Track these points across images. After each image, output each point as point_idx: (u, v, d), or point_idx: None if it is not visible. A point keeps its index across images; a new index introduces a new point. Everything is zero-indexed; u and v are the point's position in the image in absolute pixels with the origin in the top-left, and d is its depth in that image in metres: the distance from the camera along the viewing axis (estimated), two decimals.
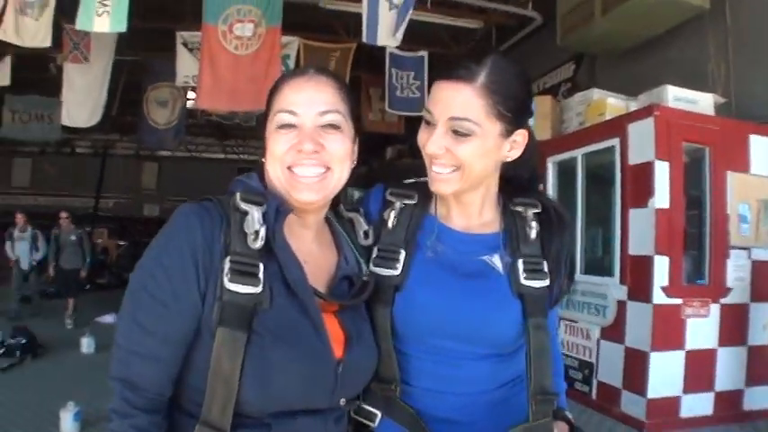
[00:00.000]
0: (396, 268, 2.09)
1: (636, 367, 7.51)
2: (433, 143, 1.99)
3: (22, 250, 17.35)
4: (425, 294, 2.06)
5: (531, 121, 2.16)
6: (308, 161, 1.88)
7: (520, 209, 2.17)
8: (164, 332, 1.73)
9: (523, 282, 2.06)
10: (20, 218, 17.63)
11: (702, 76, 9.22)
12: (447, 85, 1.98)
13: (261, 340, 1.72)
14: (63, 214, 16.98)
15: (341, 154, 1.94)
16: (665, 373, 7.36)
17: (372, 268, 2.11)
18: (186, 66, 13.57)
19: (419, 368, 2.09)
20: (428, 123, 2.04)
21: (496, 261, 2.12)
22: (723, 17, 9.30)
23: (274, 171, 1.92)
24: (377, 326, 2.07)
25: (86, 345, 12.32)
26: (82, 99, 13.98)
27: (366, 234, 2.20)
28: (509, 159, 2.12)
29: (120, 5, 9.70)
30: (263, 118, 2.05)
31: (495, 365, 2.09)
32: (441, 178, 2.04)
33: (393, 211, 2.19)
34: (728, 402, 7.71)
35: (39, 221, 18.32)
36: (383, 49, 13.36)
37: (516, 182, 2.26)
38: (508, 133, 2.04)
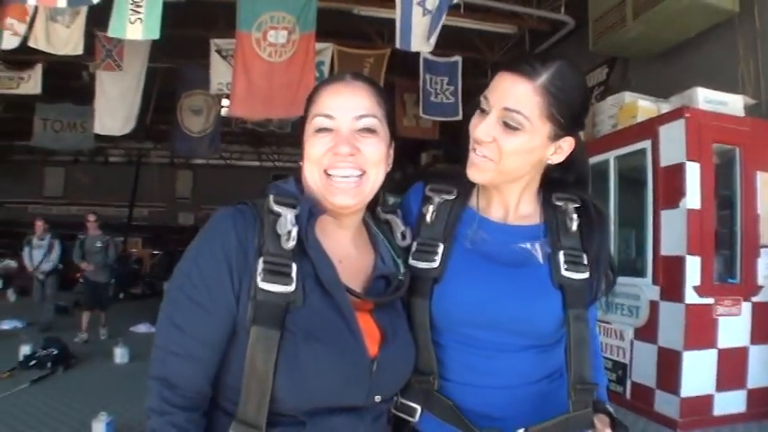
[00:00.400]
0: (434, 261, 2.17)
1: (669, 367, 7.55)
2: (482, 129, 2.09)
3: (38, 259, 16.89)
4: (463, 285, 2.14)
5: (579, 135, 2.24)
6: (343, 164, 1.98)
7: (560, 203, 2.26)
8: (200, 333, 1.84)
9: (564, 273, 2.14)
10: (39, 225, 17.31)
11: (732, 77, 9.27)
12: (508, 77, 2.08)
13: (294, 338, 1.81)
14: (90, 217, 16.38)
15: (376, 157, 2.04)
16: (698, 371, 7.41)
17: (411, 262, 2.20)
18: (220, 73, 13.62)
19: (458, 361, 2.16)
20: (482, 111, 2.13)
21: (537, 250, 2.20)
22: (752, 19, 9.32)
23: (311, 174, 2.02)
24: (415, 319, 2.15)
25: (120, 355, 12.46)
26: (115, 107, 13.94)
27: (403, 235, 2.28)
28: (551, 162, 2.22)
29: (153, 12, 9.74)
30: (300, 123, 2.16)
31: (534, 358, 2.16)
32: (477, 164, 2.15)
33: (431, 206, 2.28)
34: (761, 399, 7.74)
35: (71, 231, 18.08)
36: (417, 54, 13.37)
37: (561, 183, 2.36)
38: (556, 137, 2.14)
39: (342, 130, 2.00)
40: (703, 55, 10.28)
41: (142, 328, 16.23)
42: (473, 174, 2.20)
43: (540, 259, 2.21)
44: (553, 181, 2.38)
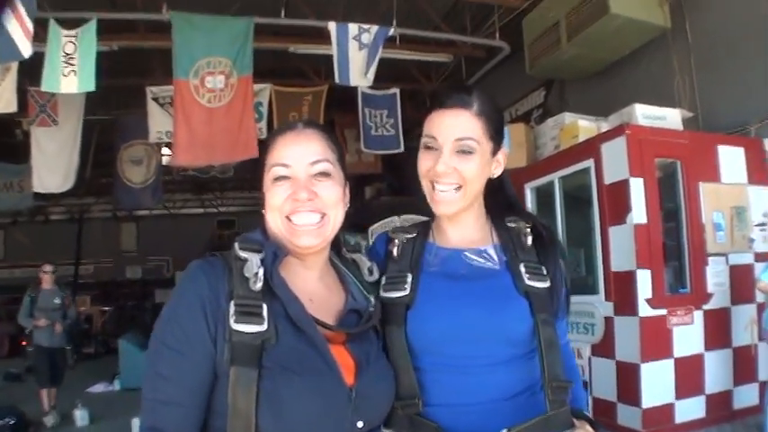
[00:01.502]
0: (405, 289, 2.30)
1: (628, 380, 7.68)
2: (442, 163, 2.26)
3: None
4: (434, 305, 2.27)
5: (505, 149, 2.44)
6: (303, 208, 2.10)
7: (513, 224, 2.44)
8: (183, 379, 1.91)
9: (528, 282, 2.28)
10: None
11: (669, 92, 9.46)
12: (448, 112, 2.29)
13: (271, 374, 1.88)
14: (46, 267, 13.72)
15: (333, 199, 2.16)
16: (657, 382, 7.54)
17: (383, 294, 2.32)
18: (158, 121, 13.48)
19: (439, 383, 2.25)
20: (429, 149, 2.32)
21: (493, 256, 2.39)
22: (684, 35, 9.54)
23: (274, 221, 2.14)
24: (393, 347, 2.25)
25: (80, 417, 12.33)
26: (53, 163, 13.49)
27: (370, 270, 2.38)
28: (494, 176, 2.43)
29: (86, 64, 9.77)
30: (255, 169, 2.31)
31: (512, 370, 2.26)
32: (445, 198, 2.31)
33: (396, 245, 2.44)
34: (719, 403, 7.90)
35: (15, 295, 17.64)
36: (355, 89, 13.41)
37: (502, 201, 2.56)
38: (494, 152, 2.37)
39: (299, 177, 2.12)
40: (639, 72, 10.50)
41: (99, 387, 16.03)
42: (441, 208, 2.35)
43: (497, 264, 2.38)
44: (496, 203, 2.57)
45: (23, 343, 15.64)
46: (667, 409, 7.60)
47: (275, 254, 2.06)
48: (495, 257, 2.40)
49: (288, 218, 2.12)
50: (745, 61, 8.86)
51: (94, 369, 18.54)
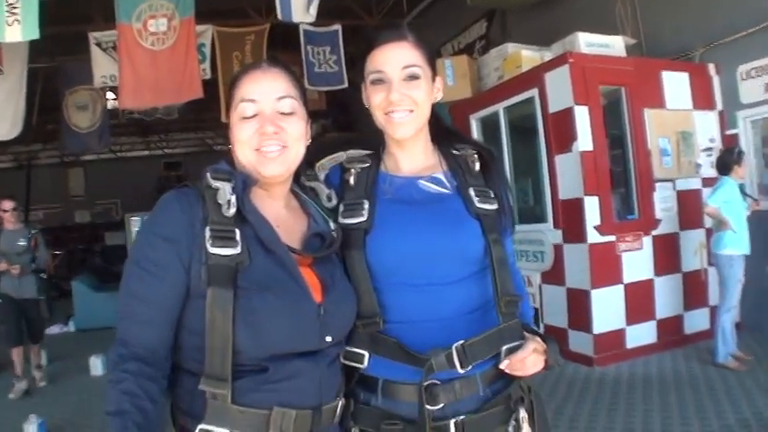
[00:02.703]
0: (362, 215, 2.32)
1: (579, 306, 7.79)
2: (395, 92, 2.27)
3: None
4: (392, 229, 2.29)
5: (449, 81, 2.45)
6: (269, 141, 2.11)
7: (460, 152, 2.47)
8: (154, 299, 1.94)
9: (478, 205, 2.32)
10: None
11: (611, 20, 9.45)
12: (390, 46, 2.31)
13: (247, 294, 1.91)
14: (6, 204, 10.34)
15: (297, 134, 2.17)
16: (608, 308, 7.66)
17: (341, 220, 2.33)
18: (102, 66, 13.39)
19: (397, 301, 2.27)
20: (378, 83, 2.32)
21: (445, 182, 2.41)
22: None
23: (243, 154, 2.14)
24: (354, 270, 2.28)
25: (41, 353, 12.13)
26: (0, 112, 13.27)
27: (329, 197, 2.41)
28: (436, 101, 2.44)
29: (29, 12, 9.42)
30: (226, 111, 2.28)
31: (467, 287, 2.29)
32: (401, 121, 2.31)
33: (352, 175, 2.44)
34: (670, 329, 8.06)
35: None
36: (296, 27, 13.44)
37: (442, 128, 2.59)
38: (433, 78, 2.39)
39: (265, 112, 2.14)
40: (580, 0, 10.45)
41: (55, 329, 15.87)
42: (400, 131, 2.36)
43: (449, 189, 2.41)
44: (437, 136, 2.58)
45: None
46: (618, 335, 7.71)
47: (245, 182, 2.11)
48: (447, 183, 2.43)
49: (256, 150, 2.14)
50: None
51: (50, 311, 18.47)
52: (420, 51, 2.32)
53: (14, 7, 9.54)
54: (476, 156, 2.45)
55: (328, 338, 2.04)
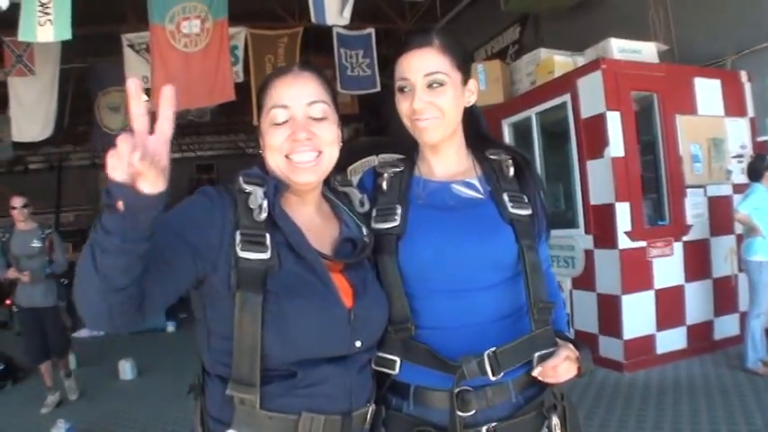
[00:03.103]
0: (395, 220, 2.33)
1: (610, 312, 7.79)
2: (418, 100, 2.28)
3: None
4: (424, 234, 2.30)
5: (481, 85, 2.47)
6: (302, 148, 2.11)
7: (494, 156, 2.46)
8: (178, 229, 1.88)
9: (512, 210, 2.32)
10: None
11: (644, 25, 9.46)
12: (413, 54, 2.31)
13: (276, 298, 1.93)
14: (17, 201, 9.64)
15: (330, 139, 2.18)
16: (638, 313, 7.66)
17: (374, 225, 2.34)
18: (135, 67, 13.27)
19: (430, 307, 2.27)
20: (404, 90, 2.34)
21: (478, 187, 2.41)
22: None
23: (274, 160, 2.15)
24: (386, 275, 2.28)
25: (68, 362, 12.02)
26: (31, 113, 13.46)
27: (362, 202, 2.41)
28: (469, 105, 2.44)
29: (62, 13, 9.57)
30: (257, 115, 2.26)
31: (499, 294, 2.28)
32: (428, 125, 2.32)
33: (385, 179, 2.45)
34: (700, 334, 8.04)
35: None
36: (330, 31, 13.41)
37: (478, 133, 2.58)
38: (465, 82, 2.38)
39: (297, 118, 2.14)
40: (614, 5, 10.50)
41: (84, 332, 15.87)
42: (427, 135, 2.35)
43: (483, 194, 2.40)
44: (473, 134, 2.58)
45: (8, 303, 12.06)
46: (648, 341, 7.71)
47: (276, 187, 2.11)
48: (481, 188, 2.42)
49: (287, 156, 2.14)
50: None
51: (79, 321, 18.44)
52: (447, 56, 2.31)
53: (47, 7, 9.59)
54: (510, 161, 2.44)
55: (358, 344, 2.06)
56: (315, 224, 2.23)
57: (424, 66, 2.29)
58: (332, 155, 2.21)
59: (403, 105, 2.35)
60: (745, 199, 7.26)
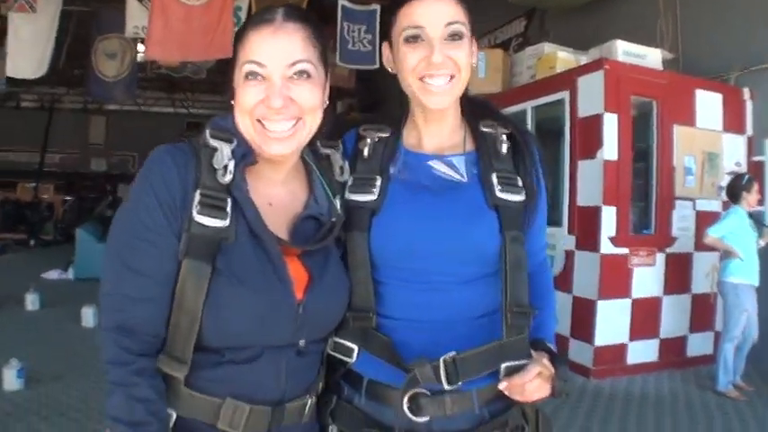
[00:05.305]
0: (373, 193, 2.11)
1: (583, 316, 7.70)
2: (438, 52, 2.00)
3: None
4: (401, 215, 2.08)
5: (480, 73, 2.26)
6: (277, 116, 1.87)
7: (489, 129, 2.21)
8: (155, 272, 1.75)
9: (499, 194, 2.08)
10: None
11: (651, 31, 9.35)
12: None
13: (221, 278, 1.75)
14: None
15: (311, 104, 1.92)
16: (612, 320, 7.59)
17: (348, 195, 2.12)
18: (136, 16, 13.02)
19: (397, 297, 2.08)
20: (414, 41, 2.05)
21: (461, 168, 2.16)
22: None
23: (243, 123, 1.91)
24: (354, 255, 2.08)
25: (31, 301, 11.94)
26: (28, 50, 13.34)
27: (342, 169, 2.18)
28: (473, 65, 2.16)
29: None
30: (225, 68, 2.05)
31: (475, 290, 2.07)
32: (441, 90, 2.06)
33: (367, 143, 2.22)
34: (673, 349, 7.98)
35: None
36: (335, 2, 13.29)
37: (474, 101, 2.32)
38: (471, 41, 2.12)
39: (274, 79, 1.87)
40: (623, 9, 10.40)
41: (53, 274, 15.84)
42: (436, 101, 2.08)
43: (464, 176, 2.16)
44: (467, 107, 2.30)
45: None
46: (619, 349, 7.63)
47: (244, 155, 1.88)
48: (464, 169, 2.17)
49: (259, 121, 1.89)
50: (729, 8, 8.79)
51: (52, 256, 18.35)
52: (462, 6, 2.06)
53: None
54: (504, 136, 2.18)
55: (302, 342, 1.89)
56: (279, 196, 2.03)
57: (444, 13, 2.03)
58: (312, 122, 1.97)
59: (411, 57, 2.06)
60: (719, 222, 7.23)
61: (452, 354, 1.93)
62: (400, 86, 2.12)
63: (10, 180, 28.53)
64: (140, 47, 15.36)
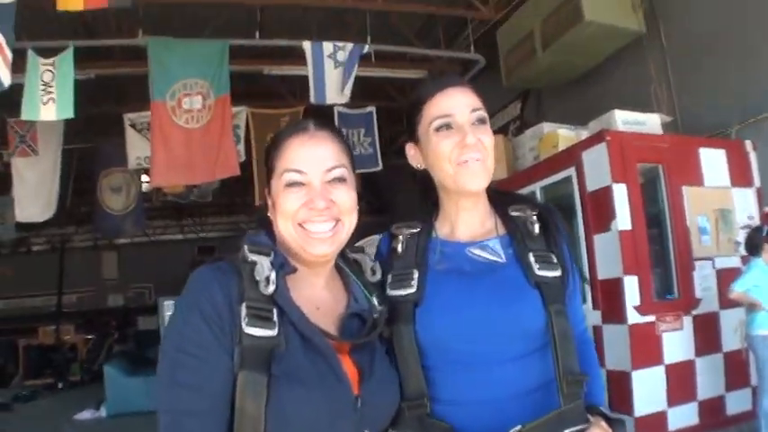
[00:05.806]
0: (412, 286, 2.19)
1: (620, 388, 7.58)
2: (471, 135, 2.18)
3: None
4: (444, 302, 2.17)
5: None
6: (319, 218, 1.99)
7: (518, 213, 2.34)
8: (205, 385, 1.78)
9: (538, 272, 2.17)
10: None
11: (646, 97, 9.47)
12: (454, 90, 2.26)
13: (279, 382, 1.79)
14: None
15: (349, 205, 2.06)
16: (649, 389, 7.49)
17: (390, 292, 2.22)
18: (137, 147, 13.34)
19: (449, 381, 2.15)
20: (447, 128, 2.23)
21: (499, 251, 2.28)
22: (659, 39, 9.59)
23: (286, 228, 2.02)
24: (401, 346, 2.15)
25: None
26: (34, 193, 13.38)
27: (373, 270, 2.28)
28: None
29: (65, 92, 9.67)
30: (267, 176, 2.14)
31: (526, 365, 2.15)
32: (477, 170, 2.22)
33: (400, 243, 2.33)
34: (712, 409, 7.86)
35: None
36: (331, 109, 13.33)
37: (497, 190, 2.47)
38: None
39: (314, 184, 2.01)
40: (616, 78, 10.53)
41: (86, 414, 15.79)
42: (474, 182, 2.24)
43: (504, 257, 2.27)
44: (493, 195, 2.46)
45: None
46: (660, 417, 7.53)
47: (282, 265, 1.96)
48: (501, 251, 2.29)
49: (301, 225, 2.01)
50: (721, 63, 8.89)
51: (81, 396, 18.31)
52: (480, 97, 2.28)
53: (50, 86, 9.70)
54: (534, 217, 2.31)
55: None
56: (325, 299, 2.11)
57: (468, 101, 2.24)
58: (351, 223, 2.09)
59: (445, 145, 2.22)
60: (742, 277, 7.26)
61: (518, 427, 1.97)
62: (406, 188, 2.24)
63: (30, 325, 28.50)
64: (144, 177, 15.47)
